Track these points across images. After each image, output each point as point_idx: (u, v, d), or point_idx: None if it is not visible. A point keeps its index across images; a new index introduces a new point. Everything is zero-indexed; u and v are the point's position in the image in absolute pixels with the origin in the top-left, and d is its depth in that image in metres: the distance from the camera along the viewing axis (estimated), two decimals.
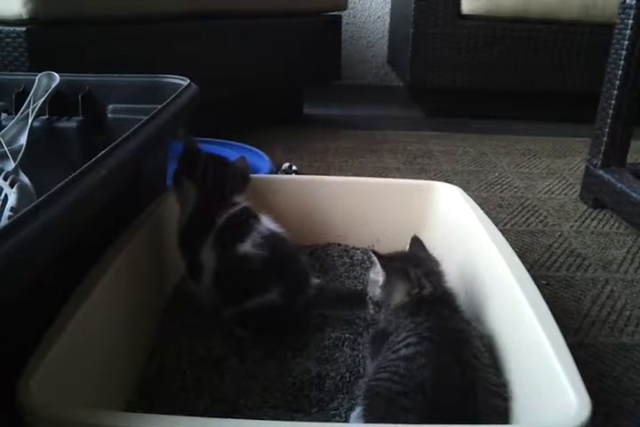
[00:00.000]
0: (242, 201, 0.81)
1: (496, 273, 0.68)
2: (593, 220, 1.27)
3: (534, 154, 1.75)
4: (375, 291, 0.68)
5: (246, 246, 0.75)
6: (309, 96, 2.16)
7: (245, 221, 0.78)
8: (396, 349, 0.58)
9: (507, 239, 0.74)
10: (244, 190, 0.82)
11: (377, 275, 0.67)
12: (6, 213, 0.73)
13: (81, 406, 0.48)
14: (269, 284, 0.75)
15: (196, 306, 0.80)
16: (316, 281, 0.81)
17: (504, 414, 0.56)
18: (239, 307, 0.76)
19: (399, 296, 0.65)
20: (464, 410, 0.54)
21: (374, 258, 0.68)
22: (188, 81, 0.91)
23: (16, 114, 0.90)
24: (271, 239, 0.77)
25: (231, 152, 1.34)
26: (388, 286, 0.66)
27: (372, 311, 0.70)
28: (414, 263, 0.68)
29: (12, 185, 0.76)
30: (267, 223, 0.80)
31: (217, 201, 0.79)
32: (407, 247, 0.75)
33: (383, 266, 0.66)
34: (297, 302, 0.77)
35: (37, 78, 0.93)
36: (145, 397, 0.65)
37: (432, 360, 0.56)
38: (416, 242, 0.74)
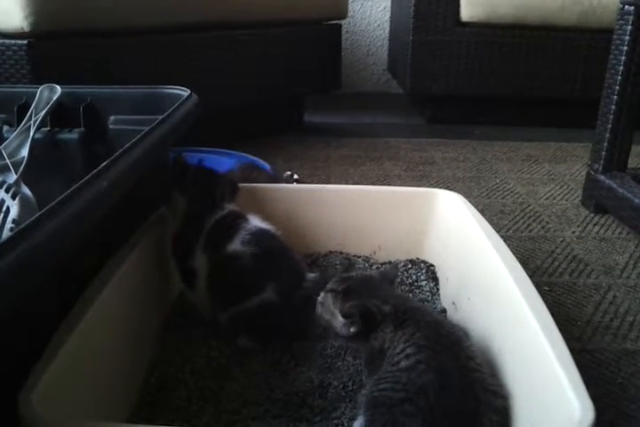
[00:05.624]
0: (230, 207, 0.82)
1: (498, 280, 0.68)
2: (595, 225, 1.27)
3: (535, 160, 1.75)
4: (339, 324, 0.65)
5: (235, 244, 0.76)
6: (310, 104, 2.17)
7: (233, 221, 0.79)
8: (396, 361, 0.58)
9: (508, 246, 0.74)
10: (233, 199, 0.83)
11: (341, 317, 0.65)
12: (8, 225, 0.73)
13: (83, 418, 0.48)
14: (263, 280, 0.75)
15: (196, 316, 0.80)
16: (311, 275, 0.80)
17: (504, 413, 0.56)
18: (237, 309, 0.75)
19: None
20: (466, 412, 0.54)
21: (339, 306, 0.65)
22: (189, 91, 0.92)
23: (18, 126, 0.91)
24: (260, 235, 0.78)
25: (232, 161, 1.34)
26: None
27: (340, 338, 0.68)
28: (370, 294, 0.66)
29: (13, 197, 0.77)
30: (255, 222, 0.80)
31: (206, 209, 0.80)
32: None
33: (361, 317, 0.63)
34: (294, 297, 0.76)
35: (39, 91, 0.94)
36: (147, 408, 0.65)
37: (432, 365, 0.56)
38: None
